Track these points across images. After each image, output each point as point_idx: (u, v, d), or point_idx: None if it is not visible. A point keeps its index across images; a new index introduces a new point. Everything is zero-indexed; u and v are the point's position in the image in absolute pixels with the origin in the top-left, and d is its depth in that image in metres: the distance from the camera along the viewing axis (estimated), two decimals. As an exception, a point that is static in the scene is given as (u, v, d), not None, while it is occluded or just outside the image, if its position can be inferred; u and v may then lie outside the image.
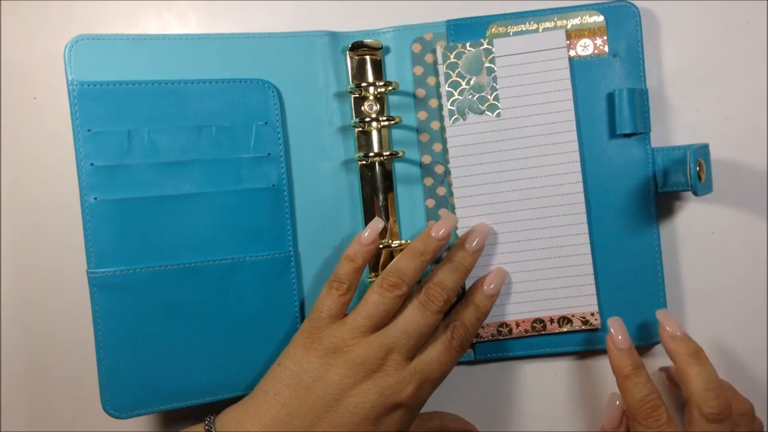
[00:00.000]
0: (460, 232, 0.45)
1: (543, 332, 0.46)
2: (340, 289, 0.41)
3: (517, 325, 0.46)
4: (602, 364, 0.48)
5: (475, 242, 0.43)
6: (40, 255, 0.47)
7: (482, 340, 0.46)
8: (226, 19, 0.48)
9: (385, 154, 0.45)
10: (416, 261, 0.42)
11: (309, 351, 0.40)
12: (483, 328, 0.46)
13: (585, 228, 0.45)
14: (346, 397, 0.39)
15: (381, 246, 0.45)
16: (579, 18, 0.45)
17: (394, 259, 0.43)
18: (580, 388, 0.48)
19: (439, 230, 0.42)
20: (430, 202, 0.46)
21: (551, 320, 0.45)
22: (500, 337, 0.46)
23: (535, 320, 0.46)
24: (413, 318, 0.40)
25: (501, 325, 0.46)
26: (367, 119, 0.45)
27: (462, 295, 0.45)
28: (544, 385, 0.48)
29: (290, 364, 0.40)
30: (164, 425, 0.47)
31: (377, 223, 0.43)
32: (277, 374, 0.40)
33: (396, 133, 0.46)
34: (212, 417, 0.40)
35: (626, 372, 0.41)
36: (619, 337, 0.42)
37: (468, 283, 0.45)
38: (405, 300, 0.41)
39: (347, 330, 0.40)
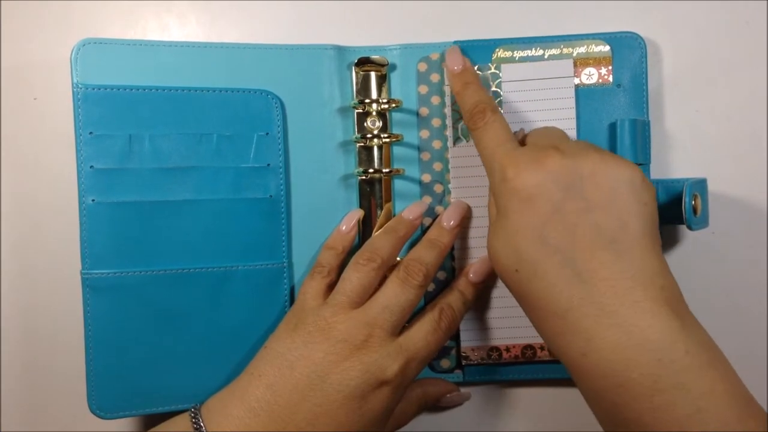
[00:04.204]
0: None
1: (533, 359, 0.45)
2: (322, 272, 0.43)
3: (507, 350, 0.45)
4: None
5: (452, 221, 0.44)
6: (40, 255, 0.47)
7: (472, 362, 0.46)
8: (226, 21, 0.48)
9: (385, 170, 0.45)
10: (389, 236, 0.43)
11: (293, 332, 0.40)
12: (473, 350, 0.46)
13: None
14: (330, 374, 0.39)
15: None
16: (585, 46, 0.45)
17: (369, 240, 0.44)
18: (574, 415, 0.47)
19: (410, 213, 0.45)
20: (428, 221, 0.46)
21: (542, 347, 0.45)
22: (490, 361, 0.46)
23: (526, 346, 0.45)
24: (393, 293, 0.41)
25: (491, 349, 0.46)
26: (369, 135, 0.45)
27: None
28: (535, 411, 0.48)
29: (275, 345, 0.41)
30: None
31: (355, 212, 0.45)
32: (263, 356, 0.41)
33: (397, 150, 0.46)
34: (197, 405, 0.41)
35: (457, 89, 0.43)
36: (452, 65, 0.43)
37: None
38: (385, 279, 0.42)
39: (328, 309, 0.40)
